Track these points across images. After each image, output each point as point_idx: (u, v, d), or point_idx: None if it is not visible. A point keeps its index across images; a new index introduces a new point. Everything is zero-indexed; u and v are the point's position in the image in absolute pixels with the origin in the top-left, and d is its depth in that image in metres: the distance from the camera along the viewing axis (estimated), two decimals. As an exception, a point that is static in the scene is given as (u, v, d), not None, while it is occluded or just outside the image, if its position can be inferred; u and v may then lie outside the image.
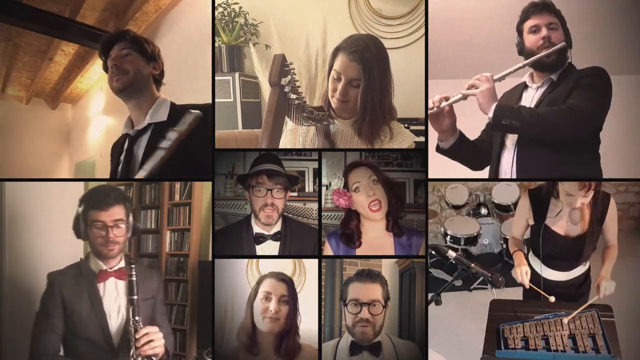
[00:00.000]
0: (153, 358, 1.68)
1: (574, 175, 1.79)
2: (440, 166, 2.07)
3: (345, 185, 1.82)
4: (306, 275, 2.01)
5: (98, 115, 4.06)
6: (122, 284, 1.79)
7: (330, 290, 2.06)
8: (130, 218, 1.80)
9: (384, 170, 1.87)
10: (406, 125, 2.07)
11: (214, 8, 2.20)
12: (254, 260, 1.97)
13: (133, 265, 1.74)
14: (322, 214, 2.05)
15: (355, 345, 1.75)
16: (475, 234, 3.20)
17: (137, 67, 1.86)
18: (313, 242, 1.95)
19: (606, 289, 1.81)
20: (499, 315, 1.83)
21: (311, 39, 2.57)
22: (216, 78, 2.65)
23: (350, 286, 1.77)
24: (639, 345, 1.90)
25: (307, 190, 2.14)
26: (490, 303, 1.92)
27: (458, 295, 2.92)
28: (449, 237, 3.22)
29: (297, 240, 1.88)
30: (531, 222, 1.93)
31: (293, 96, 1.78)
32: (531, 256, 1.99)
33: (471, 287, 2.97)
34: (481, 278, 1.72)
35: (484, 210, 3.46)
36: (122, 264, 1.81)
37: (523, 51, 1.90)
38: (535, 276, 1.93)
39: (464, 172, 2.10)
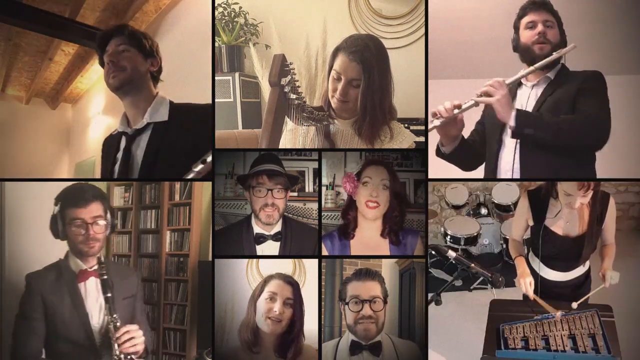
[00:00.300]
0: (133, 357, 1.66)
1: (572, 175, 1.79)
2: (440, 166, 2.07)
3: (359, 175, 1.82)
4: (306, 275, 2.01)
5: (98, 115, 4.06)
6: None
7: (330, 290, 2.06)
8: (108, 215, 1.77)
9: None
10: (406, 125, 2.07)
11: (214, 8, 2.19)
12: (254, 260, 1.97)
13: (103, 264, 1.70)
14: (322, 214, 2.05)
15: (356, 345, 1.75)
16: (475, 234, 3.20)
17: (134, 64, 1.83)
18: (313, 242, 1.94)
19: (612, 278, 1.80)
20: (499, 315, 1.83)
21: (311, 39, 2.57)
22: (216, 78, 2.65)
23: (349, 285, 1.77)
24: (639, 345, 1.90)
25: (307, 190, 2.14)
26: (490, 303, 1.92)
27: (458, 295, 2.92)
28: (449, 237, 3.22)
29: (297, 240, 1.88)
30: (531, 223, 1.92)
31: (293, 96, 1.78)
32: (531, 256, 1.99)
33: (471, 287, 2.98)
34: (481, 278, 1.73)
35: (484, 210, 3.46)
36: (103, 259, 1.77)
37: (518, 47, 1.91)
38: (534, 276, 1.92)
39: (464, 172, 2.10)
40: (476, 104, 1.82)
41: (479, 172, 2.06)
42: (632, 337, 1.85)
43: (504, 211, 3.40)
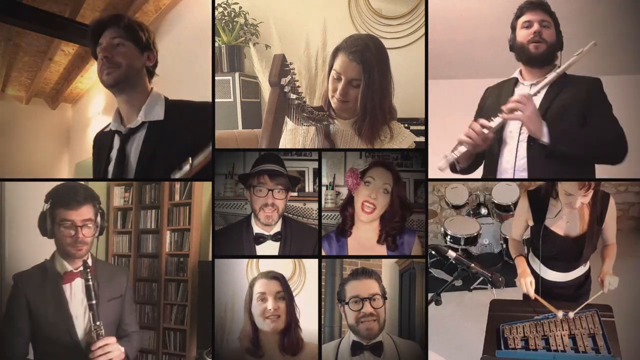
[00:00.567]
0: None
1: (573, 175, 1.79)
2: (440, 166, 2.06)
3: (363, 173, 1.81)
4: (306, 275, 2.01)
5: (98, 115, 4.06)
6: None
7: (330, 290, 2.06)
8: (98, 218, 1.72)
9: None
10: (406, 125, 2.07)
11: (214, 8, 2.19)
12: (254, 260, 1.97)
13: (88, 270, 1.64)
14: (322, 214, 2.05)
15: (357, 345, 1.75)
16: (475, 234, 3.20)
17: (130, 60, 1.72)
18: (313, 242, 1.94)
19: (610, 283, 1.81)
20: (499, 315, 1.83)
21: (311, 39, 2.57)
22: (216, 78, 2.65)
23: (347, 285, 1.77)
24: (639, 345, 1.90)
25: (307, 190, 2.14)
26: (490, 303, 1.92)
27: (458, 295, 2.92)
28: (449, 237, 3.22)
29: (297, 240, 1.88)
30: (531, 223, 1.92)
31: (293, 96, 1.78)
32: (531, 257, 1.99)
33: (471, 287, 2.98)
34: (481, 278, 1.72)
35: (484, 210, 3.46)
36: (89, 263, 1.71)
37: (514, 46, 1.91)
38: (534, 277, 1.92)
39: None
40: (504, 121, 1.81)
41: (479, 172, 2.06)
42: (632, 337, 1.85)
43: (504, 211, 3.40)
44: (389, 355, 1.77)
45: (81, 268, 1.68)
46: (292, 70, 1.78)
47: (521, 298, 2.00)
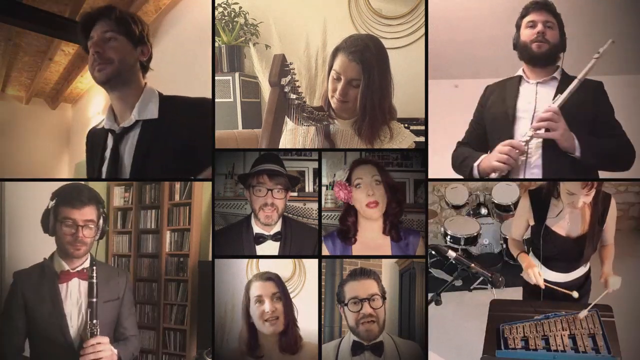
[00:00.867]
0: None
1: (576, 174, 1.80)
2: (440, 166, 2.06)
3: (349, 180, 1.81)
4: (306, 275, 2.01)
5: (98, 115, 4.05)
6: (85, 285, 1.70)
7: (330, 290, 2.06)
8: (101, 221, 1.73)
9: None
10: (406, 125, 2.07)
11: (214, 8, 2.19)
12: (254, 260, 1.97)
13: (94, 267, 1.66)
14: (322, 214, 2.05)
15: (357, 345, 1.75)
16: (475, 234, 3.20)
17: (122, 55, 1.65)
18: (313, 242, 1.94)
19: (613, 284, 1.81)
20: (499, 315, 1.83)
21: (311, 39, 2.57)
22: (216, 78, 2.65)
23: (346, 286, 1.77)
24: (639, 345, 1.90)
25: (307, 190, 2.14)
26: (490, 303, 1.92)
27: (458, 295, 2.91)
28: (449, 237, 3.22)
29: (297, 240, 1.88)
30: (531, 223, 1.92)
31: (293, 96, 1.78)
32: (531, 257, 1.98)
33: (471, 287, 2.97)
34: (481, 278, 1.72)
35: (484, 210, 3.46)
36: (87, 264, 1.74)
37: (517, 45, 1.92)
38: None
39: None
40: (536, 137, 1.83)
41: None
42: (632, 337, 1.85)
43: (504, 211, 3.40)
44: (390, 356, 1.77)
45: (79, 267, 1.71)
46: (292, 70, 1.78)
47: (521, 298, 2.00)
